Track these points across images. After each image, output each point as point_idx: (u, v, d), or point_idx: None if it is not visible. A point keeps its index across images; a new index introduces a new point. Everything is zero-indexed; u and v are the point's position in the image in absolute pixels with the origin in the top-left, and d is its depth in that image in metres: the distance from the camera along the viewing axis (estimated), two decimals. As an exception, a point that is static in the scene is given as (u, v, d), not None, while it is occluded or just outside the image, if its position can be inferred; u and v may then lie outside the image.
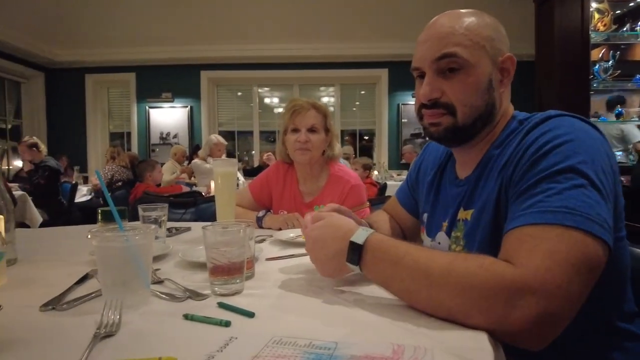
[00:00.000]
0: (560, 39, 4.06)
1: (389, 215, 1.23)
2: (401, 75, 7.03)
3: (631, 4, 4.03)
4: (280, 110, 7.71)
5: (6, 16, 5.67)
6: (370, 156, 7.45)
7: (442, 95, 0.84)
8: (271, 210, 1.69)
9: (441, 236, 0.95)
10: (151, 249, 0.72)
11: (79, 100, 7.32)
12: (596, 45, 4.00)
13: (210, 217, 2.09)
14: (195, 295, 0.73)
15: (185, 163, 5.92)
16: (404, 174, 6.26)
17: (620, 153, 4.11)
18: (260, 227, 1.54)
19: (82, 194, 5.34)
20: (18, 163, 5.84)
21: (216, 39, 6.66)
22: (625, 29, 3.93)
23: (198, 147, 6.40)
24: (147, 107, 7.31)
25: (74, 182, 5.15)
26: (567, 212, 0.62)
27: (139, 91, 7.30)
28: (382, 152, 7.40)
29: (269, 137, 7.86)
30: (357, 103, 7.83)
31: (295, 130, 1.61)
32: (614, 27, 3.92)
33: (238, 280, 0.75)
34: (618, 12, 3.96)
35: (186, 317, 0.63)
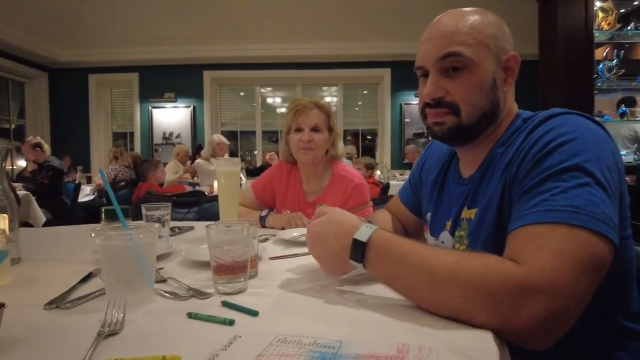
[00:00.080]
0: (564, 38, 4.05)
1: (391, 214, 1.23)
2: (404, 75, 7.02)
3: (635, 3, 4.01)
4: (283, 110, 7.72)
5: (10, 16, 5.69)
6: (373, 156, 7.45)
7: (446, 95, 0.83)
8: (274, 210, 1.69)
9: (445, 235, 0.95)
10: (155, 248, 0.72)
11: (82, 100, 7.35)
12: (600, 44, 3.99)
13: (213, 216, 2.09)
14: (198, 294, 0.73)
15: (188, 163, 5.93)
16: (407, 174, 6.24)
17: (624, 152, 4.09)
18: (263, 226, 1.54)
19: (85, 194, 5.35)
20: (21, 163, 5.86)
21: (219, 39, 6.67)
22: (629, 27, 3.91)
23: (201, 147, 6.41)
24: (150, 107, 7.33)
25: (77, 182, 5.17)
26: (572, 211, 0.62)
27: (142, 91, 7.32)
28: (384, 152, 7.39)
29: (271, 137, 7.87)
30: (360, 103, 7.83)
31: (299, 130, 1.61)
32: (618, 25, 3.91)
33: (242, 279, 0.75)
34: (622, 10, 3.94)
35: (190, 315, 0.63)
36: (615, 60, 3.90)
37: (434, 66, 0.83)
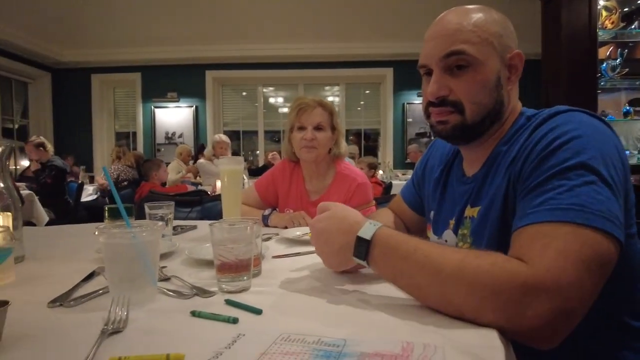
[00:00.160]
0: (567, 37, 4.03)
1: (393, 213, 1.23)
2: (406, 74, 7.01)
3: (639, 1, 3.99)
4: (285, 110, 7.72)
5: (13, 17, 5.71)
6: (375, 156, 7.43)
7: (450, 93, 0.83)
8: (277, 209, 1.69)
9: (448, 234, 0.94)
10: (158, 246, 0.72)
11: (85, 100, 7.36)
12: (604, 43, 3.97)
13: (216, 215, 2.09)
14: (202, 292, 0.73)
15: (191, 162, 5.94)
16: (409, 174, 6.23)
17: (628, 152, 4.06)
18: (266, 225, 1.54)
19: (88, 194, 5.36)
20: (24, 163, 5.88)
21: (221, 39, 6.68)
22: (633, 26, 3.89)
23: (203, 147, 6.43)
24: (152, 107, 7.34)
25: (80, 181, 5.18)
26: (578, 210, 0.61)
27: (145, 91, 7.34)
28: (387, 152, 7.38)
29: (273, 136, 7.87)
30: (362, 102, 7.82)
31: (302, 128, 1.60)
32: (622, 24, 3.88)
33: (245, 278, 0.75)
34: (626, 9, 3.92)
35: (193, 314, 0.63)
36: (619, 59, 3.88)
37: (437, 64, 0.83)
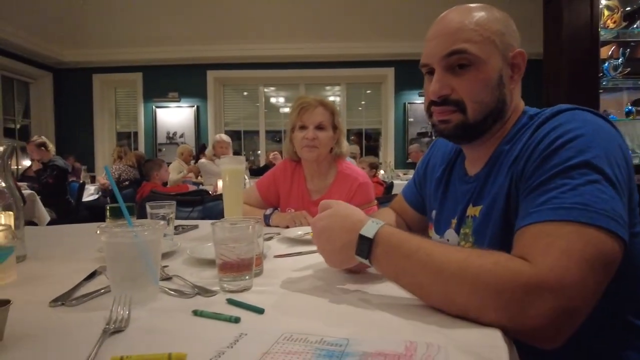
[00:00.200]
0: (569, 37, 4.02)
1: (395, 212, 1.23)
2: (407, 74, 7.00)
3: (641, 1, 3.98)
4: (286, 110, 7.71)
5: (14, 17, 5.72)
6: (376, 155, 7.42)
7: (452, 92, 0.82)
8: (278, 209, 1.69)
9: (450, 233, 0.94)
10: (160, 246, 0.72)
11: (87, 100, 7.37)
12: (605, 43, 3.96)
13: (217, 215, 2.09)
14: (204, 291, 0.73)
15: (192, 162, 5.94)
16: (411, 174, 6.21)
17: (631, 152, 4.05)
18: (268, 225, 1.54)
19: (90, 193, 5.37)
20: (26, 162, 5.89)
21: (222, 39, 6.68)
22: (635, 25, 3.88)
23: (204, 147, 6.43)
24: (153, 107, 7.35)
25: (81, 181, 5.19)
26: (581, 209, 0.61)
27: (146, 91, 7.34)
28: (388, 152, 7.38)
29: (274, 136, 7.87)
30: (363, 102, 7.81)
31: (303, 128, 1.60)
32: (624, 24, 3.87)
33: (247, 277, 0.75)
34: (628, 9, 3.91)
35: (195, 313, 0.62)
36: (621, 59, 3.87)
37: (439, 63, 0.83)
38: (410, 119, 7.29)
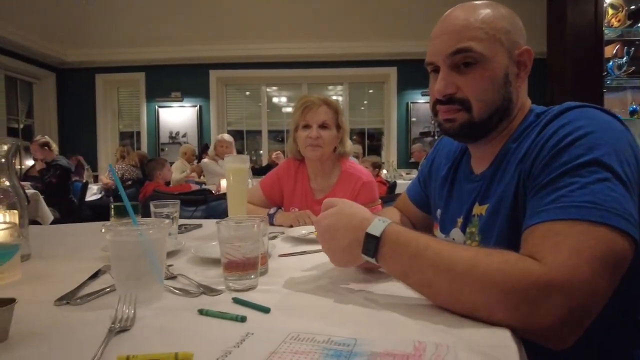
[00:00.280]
0: (573, 36, 4.00)
1: (399, 211, 1.22)
2: (410, 73, 6.98)
3: (646, -1, 3.96)
4: (289, 109, 7.71)
5: (17, 17, 5.73)
6: (379, 155, 7.41)
7: (457, 91, 0.82)
8: (282, 208, 1.68)
9: (456, 232, 0.93)
10: (165, 244, 0.71)
11: (90, 100, 7.38)
12: (610, 42, 3.94)
13: (221, 214, 2.09)
14: (209, 290, 0.72)
15: (195, 162, 5.94)
16: (414, 173, 6.22)
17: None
18: (272, 224, 1.53)
19: (93, 193, 5.38)
20: (29, 162, 5.91)
21: (225, 39, 6.68)
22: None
23: (207, 146, 6.43)
24: (156, 107, 7.35)
25: (84, 180, 5.20)
26: (592, 207, 0.60)
27: (149, 91, 7.34)
28: (390, 151, 7.37)
29: (277, 136, 7.87)
30: (365, 102, 7.80)
31: (307, 127, 1.60)
32: (628, 22, 3.85)
33: (252, 276, 0.74)
34: (632, 7, 3.88)
35: (201, 312, 0.62)
36: (625, 58, 3.85)
37: (444, 62, 0.82)
38: (413, 119, 7.27)
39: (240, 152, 7.08)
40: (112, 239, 0.67)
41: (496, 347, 0.51)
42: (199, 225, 1.49)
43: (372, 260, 0.70)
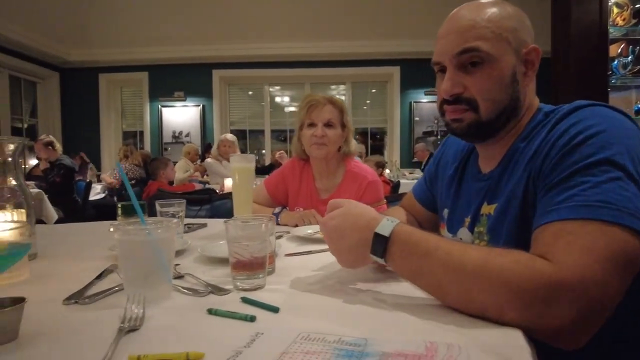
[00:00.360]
0: (577, 34, 3.98)
1: (405, 211, 1.22)
2: (413, 73, 6.97)
3: (651, -2, 3.94)
4: (291, 109, 7.71)
5: (21, 17, 5.75)
6: (382, 154, 7.40)
7: (465, 91, 0.81)
8: (287, 207, 1.68)
9: (463, 232, 0.93)
10: (173, 243, 0.71)
11: (93, 100, 7.40)
12: (614, 41, 3.92)
13: (225, 214, 2.09)
14: (217, 290, 0.72)
15: (198, 161, 5.95)
16: (417, 173, 6.21)
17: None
18: (277, 223, 1.53)
19: (96, 192, 5.39)
20: (33, 162, 5.92)
21: (228, 38, 6.69)
22: (645, 23, 3.84)
23: (210, 146, 6.43)
24: (159, 106, 7.37)
25: (88, 180, 5.21)
26: (604, 207, 0.60)
27: (152, 90, 7.36)
28: (394, 151, 7.35)
29: (279, 136, 7.87)
30: (368, 101, 7.79)
31: (312, 125, 1.59)
32: (633, 21, 3.84)
33: (261, 276, 0.74)
34: (638, 6, 3.86)
35: (210, 311, 0.62)
36: (630, 57, 3.83)
37: (451, 61, 0.81)
38: (416, 118, 7.26)
39: (243, 151, 7.08)
40: (121, 238, 0.67)
41: (510, 348, 0.51)
42: (204, 225, 1.49)
43: (381, 261, 0.70)
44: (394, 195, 3.08)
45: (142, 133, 7.59)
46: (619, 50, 3.92)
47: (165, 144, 7.40)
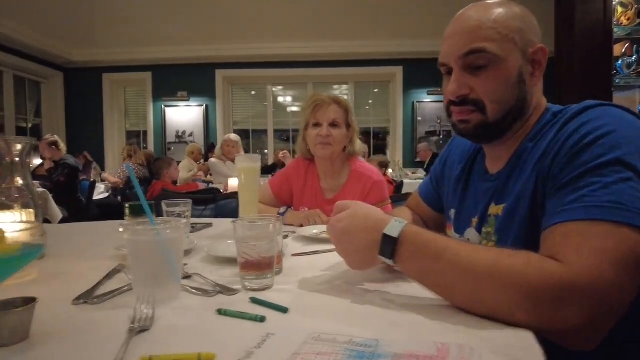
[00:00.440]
0: (581, 34, 3.97)
1: (411, 211, 1.21)
2: (416, 73, 6.96)
3: (656, -3, 3.92)
4: (294, 109, 7.72)
5: (26, 18, 5.77)
6: (384, 154, 7.39)
7: (471, 92, 0.81)
8: (292, 207, 1.68)
9: (470, 232, 0.93)
10: (182, 244, 0.71)
11: (97, 99, 7.42)
12: (619, 40, 3.90)
13: (230, 213, 2.09)
14: (225, 290, 0.72)
15: (202, 161, 5.96)
16: (419, 172, 6.20)
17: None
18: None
19: (100, 192, 5.41)
20: (36, 161, 5.95)
21: (231, 38, 6.69)
22: (650, 22, 3.82)
23: (213, 146, 6.44)
24: (162, 106, 7.38)
25: (92, 179, 5.23)
26: (614, 207, 0.60)
27: (155, 90, 7.37)
28: (396, 150, 7.35)
29: (282, 135, 7.88)
30: (370, 101, 7.78)
31: (317, 125, 1.59)
32: (638, 20, 3.82)
33: (269, 276, 0.74)
34: (643, 5, 3.85)
35: (220, 312, 0.62)
36: (634, 57, 3.82)
37: (457, 63, 0.81)
38: (419, 118, 7.24)
39: (246, 151, 7.08)
40: (131, 239, 0.67)
41: (521, 349, 0.51)
42: (209, 225, 1.49)
43: (390, 262, 0.69)
44: (398, 195, 3.07)
45: (145, 133, 7.61)
46: (623, 50, 3.90)
47: (168, 144, 7.42)
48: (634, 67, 3.86)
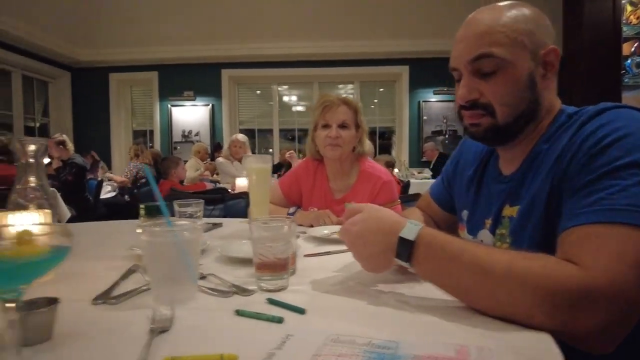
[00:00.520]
0: (590, 33, 3.94)
1: (422, 212, 1.21)
2: (422, 72, 6.94)
3: (666, -4, 3.88)
4: (299, 108, 7.72)
5: (34, 18, 5.81)
6: (389, 154, 7.38)
7: (481, 96, 0.81)
8: (301, 207, 1.68)
9: (484, 234, 0.93)
10: (199, 245, 0.72)
11: (103, 99, 7.47)
12: (628, 39, 3.87)
13: (238, 213, 2.10)
14: (241, 290, 0.73)
15: (208, 160, 5.98)
16: (425, 172, 6.19)
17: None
18: (292, 224, 1.53)
19: (107, 191, 5.44)
20: (44, 160, 6.00)
21: (237, 38, 6.70)
22: (659, 21, 3.79)
23: (219, 145, 6.46)
24: (169, 105, 7.41)
25: (99, 179, 5.26)
26: (632, 210, 0.59)
27: (162, 89, 7.40)
28: (402, 150, 7.33)
29: (287, 135, 7.89)
30: (376, 101, 7.77)
31: (326, 126, 1.59)
32: (647, 19, 3.79)
33: (285, 276, 0.75)
34: (652, 4, 3.81)
35: (238, 312, 0.62)
36: (644, 56, 3.79)
37: (466, 68, 0.81)
38: (425, 117, 7.22)
39: (252, 151, 7.10)
40: (148, 240, 0.68)
41: (540, 352, 0.51)
42: (219, 224, 1.50)
43: (406, 265, 0.70)
44: (405, 195, 3.07)
45: (152, 132, 7.64)
46: (633, 49, 3.88)
47: (175, 143, 7.45)
48: (643, 67, 3.83)
